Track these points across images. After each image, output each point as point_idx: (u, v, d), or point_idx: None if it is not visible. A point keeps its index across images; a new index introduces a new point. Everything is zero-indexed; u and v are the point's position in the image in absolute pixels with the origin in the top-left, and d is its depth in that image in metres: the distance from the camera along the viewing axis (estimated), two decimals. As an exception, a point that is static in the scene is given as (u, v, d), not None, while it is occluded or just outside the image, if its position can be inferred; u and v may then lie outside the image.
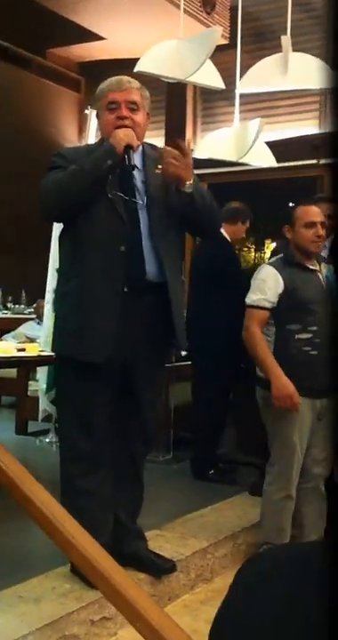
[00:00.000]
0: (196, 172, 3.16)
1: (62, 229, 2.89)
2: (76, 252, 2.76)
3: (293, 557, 0.85)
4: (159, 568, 2.99)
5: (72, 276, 2.77)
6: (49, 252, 5.28)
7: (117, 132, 2.73)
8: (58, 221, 2.79)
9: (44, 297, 5.42)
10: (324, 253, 4.14)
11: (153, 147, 2.97)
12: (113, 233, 2.72)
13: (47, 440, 5.34)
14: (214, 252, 4.54)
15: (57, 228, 5.21)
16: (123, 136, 2.70)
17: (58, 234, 5.12)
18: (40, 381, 5.32)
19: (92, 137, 6.30)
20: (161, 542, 3.30)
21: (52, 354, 4.75)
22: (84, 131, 7.75)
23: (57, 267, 5.08)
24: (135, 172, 2.79)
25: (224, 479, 4.47)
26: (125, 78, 2.84)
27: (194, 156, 4.96)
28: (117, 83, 2.81)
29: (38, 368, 5.24)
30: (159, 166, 2.83)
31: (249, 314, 3.33)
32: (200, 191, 2.84)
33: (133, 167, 2.74)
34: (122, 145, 2.68)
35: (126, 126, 2.75)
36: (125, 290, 2.72)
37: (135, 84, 2.83)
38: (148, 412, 2.97)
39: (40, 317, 5.96)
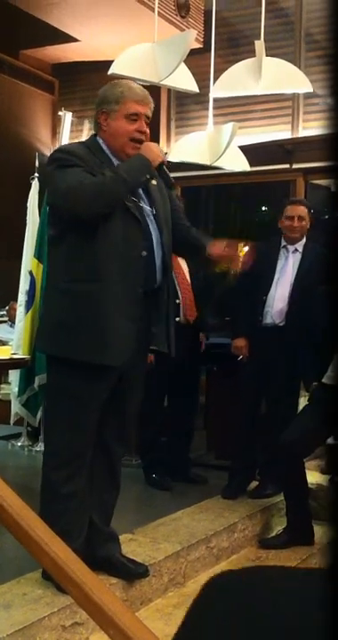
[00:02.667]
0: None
1: (63, 230, 2.79)
2: (92, 257, 2.70)
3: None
4: (132, 572, 2.98)
5: (86, 278, 2.71)
6: (21, 254, 5.25)
7: (152, 146, 2.77)
8: (89, 222, 2.70)
9: (16, 299, 5.38)
10: (299, 247, 4.20)
11: None
12: (133, 238, 2.75)
13: (19, 444, 5.29)
14: None
15: (30, 229, 5.21)
16: (158, 152, 2.76)
17: (32, 235, 5.14)
18: (12, 384, 5.28)
19: (65, 138, 6.28)
20: (133, 546, 3.29)
21: (25, 356, 4.78)
22: (57, 132, 7.72)
23: (30, 269, 5.10)
24: None
25: (162, 484, 4.39)
26: (146, 91, 2.86)
27: (168, 159, 4.99)
28: (143, 95, 2.82)
29: (10, 371, 5.20)
30: (153, 181, 2.89)
31: None
32: None
33: (174, 185, 2.91)
34: (158, 161, 2.75)
35: (143, 140, 2.80)
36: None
37: (150, 98, 2.86)
38: (132, 413, 3.02)
39: (12, 320, 5.92)
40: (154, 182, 2.90)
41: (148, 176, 2.74)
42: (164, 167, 2.79)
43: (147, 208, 2.84)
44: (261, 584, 0.83)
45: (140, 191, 2.86)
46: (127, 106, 2.78)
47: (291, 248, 4.21)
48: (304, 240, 4.22)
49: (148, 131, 2.84)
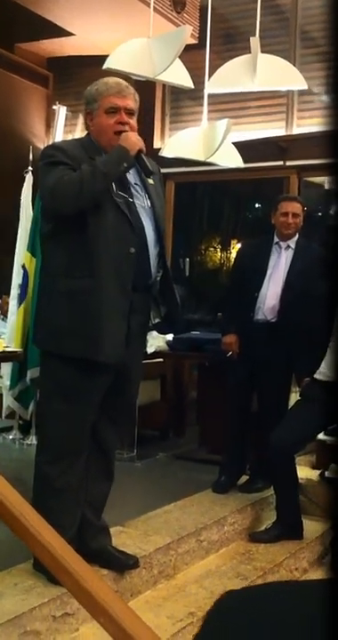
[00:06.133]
0: (164, 170, 3.21)
1: (56, 229, 2.82)
2: (82, 253, 2.72)
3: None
4: (122, 564, 3.01)
5: (78, 276, 2.73)
6: (13, 247, 5.26)
7: (129, 135, 2.77)
8: (67, 217, 2.74)
9: (8, 293, 5.39)
10: (291, 244, 4.22)
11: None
12: (122, 235, 2.75)
13: (11, 437, 5.30)
14: None
15: (24, 223, 5.22)
16: (136, 140, 2.75)
17: (25, 229, 5.14)
18: (4, 378, 5.28)
19: (59, 132, 6.29)
20: (124, 539, 3.31)
21: (17, 350, 4.79)
22: (52, 126, 7.71)
23: (22, 263, 5.11)
24: (129, 176, 2.83)
25: None
26: (124, 83, 2.87)
27: (162, 154, 5.00)
28: (118, 87, 2.83)
29: (2, 364, 5.20)
30: (150, 180, 2.90)
31: None
32: None
33: (152, 172, 2.84)
34: (136, 149, 2.74)
35: (126, 131, 2.79)
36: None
37: (131, 89, 2.88)
38: (129, 407, 3.06)
39: (4, 313, 5.92)
40: (151, 181, 2.91)
41: (125, 165, 2.73)
42: (143, 155, 2.78)
43: (139, 203, 2.84)
44: (266, 602, 0.85)
45: (136, 186, 2.87)
46: (104, 101, 2.82)
47: (283, 245, 4.23)
48: (297, 237, 4.24)
49: (131, 121, 2.84)
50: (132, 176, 2.85)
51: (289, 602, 0.83)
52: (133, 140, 2.75)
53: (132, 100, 2.86)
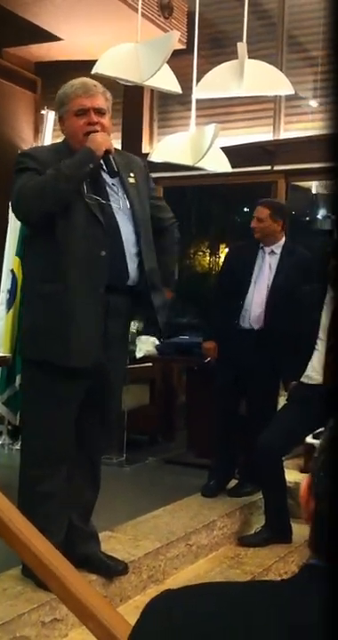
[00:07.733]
0: (152, 175, 3.21)
1: (33, 233, 2.85)
2: (55, 257, 2.71)
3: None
4: (111, 570, 3.01)
5: (51, 280, 2.72)
6: (2, 252, 5.25)
7: (95, 136, 2.74)
8: (36, 225, 2.75)
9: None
10: (276, 249, 4.23)
11: (119, 151, 3.00)
12: (93, 237, 2.73)
13: (0, 442, 5.29)
14: None
15: (12, 228, 5.21)
16: (102, 141, 2.73)
17: (14, 234, 5.14)
18: (-8, 383, 5.26)
19: (48, 137, 6.28)
20: (113, 544, 3.31)
21: (5, 355, 4.77)
22: (40, 131, 7.70)
23: (11, 267, 5.10)
24: (105, 176, 2.81)
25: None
26: (90, 82, 2.85)
27: (150, 159, 5.01)
28: (84, 87, 2.80)
29: (-9, 369, 5.19)
30: (131, 174, 2.89)
31: None
32: None
33: (118, 172, 2.79)
34: (102, 149, 2.72)
35: (97, 131, 2.77)
36: (106, 292, 2.75)
37: (100, 87, 2.84)
38: (113, 412, 3.03)
39: (-7, 318, 5.90)
40: (131, 180, 2.89)
41: (91, 166, 2.70)
42: (111, 156, 2.76)
43: (115, 204, 2.81)
44: (194, 603, 0.86)
45: (113, 187, 2.84)
46: (71, 104, 2.81)
47: (267, 249, 4.23)
48: (282, 241, 4.25)
49: (102, 120, 2.80)
50: (108, 176, 2.82)
51: (218, 604, 0.84)
52: (99, 141, 2.72)
53: (101, 99, 2.81)
